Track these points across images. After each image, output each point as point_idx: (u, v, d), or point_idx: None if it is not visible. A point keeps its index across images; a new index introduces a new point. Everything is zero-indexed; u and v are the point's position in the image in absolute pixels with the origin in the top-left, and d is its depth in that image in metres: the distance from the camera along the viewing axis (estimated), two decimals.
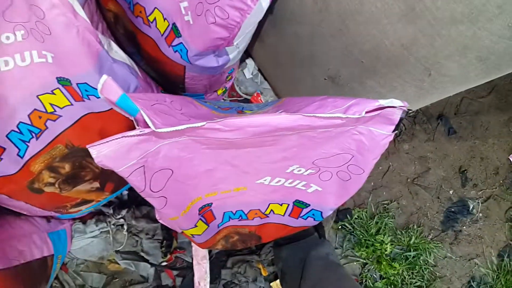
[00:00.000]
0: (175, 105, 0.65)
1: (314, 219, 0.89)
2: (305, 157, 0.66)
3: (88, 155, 0.80)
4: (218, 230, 0.91)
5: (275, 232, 0.97)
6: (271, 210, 0.86)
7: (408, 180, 1.34)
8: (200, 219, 0.81)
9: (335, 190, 0.77)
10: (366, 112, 0.53)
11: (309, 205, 0.83)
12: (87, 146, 0.46)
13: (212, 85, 1.04)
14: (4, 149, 0.66)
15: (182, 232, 0.94)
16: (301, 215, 0.88)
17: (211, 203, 0.79)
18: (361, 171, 0.69)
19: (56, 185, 0.80)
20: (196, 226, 0.81)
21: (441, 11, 0.53)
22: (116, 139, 0.48)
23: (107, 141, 0.48)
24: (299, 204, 0.84)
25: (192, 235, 0.84)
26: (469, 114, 1.38)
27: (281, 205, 0.85)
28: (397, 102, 0.52)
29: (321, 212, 0.86)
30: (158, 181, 0.61)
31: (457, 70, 0.61)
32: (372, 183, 1.31)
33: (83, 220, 1.10)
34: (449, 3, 0.51)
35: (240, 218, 0.88)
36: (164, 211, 0.70)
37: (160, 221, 1.05)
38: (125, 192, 1.13)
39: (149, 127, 0.48)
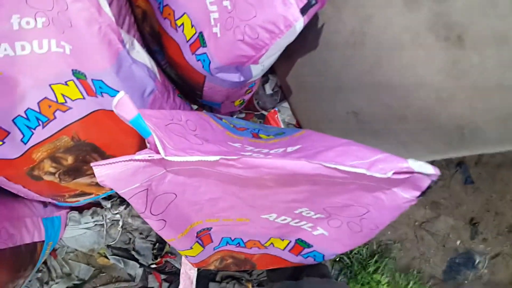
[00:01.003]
0: (190, 125, 0.62)
1: (315, 260, 0.85)
2: (316, 203, 0.63)
3: (93, 150, 0.78)
4: (213, 252, 0.88)
5: (272, 263, 0.93)
6: (271, 243, 0.83)
7: (416, 223, 1.29)
8: (197, 241, 0.78)
9: (342, 238, 0.73)
10: (394, 173, 0.47)
11: (312, 246, 0.80)
12: (91, 165, 0.44)
13: (230, 96, 1.01)
14: (8, 133, 0.64)
15: None
16: (302, 253, 0.84)
17: (211, 228, 0.76)
18: (374, 227, 0.65)
19: (56, 175, 0.78)
20: (191, 248, 0.79)
21: (488, 73, 0.49)
22: (124, 161, 0.46)
23: (113, 162, 0.46)
24: (302, 243, 0.80)
25: (186, 256, 0.82)
26: (491, 166, 1.32)
27: (282, 240, 0.81)
28: (428, 168, 0.46)
29: (323, 255, 0.82)
30: (160, 204, 0.59)
31: (494, 135, 0.57)
32: None
33: (80, 209, 1.08)
34: (499, 68, 0.47)
35: (238, 245, 0.85)
36: (161, 233, 0.67)
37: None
38: None
39: (159, 152, 0.46)
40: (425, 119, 0.63)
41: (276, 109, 1.16)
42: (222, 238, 0.81)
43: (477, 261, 1.30)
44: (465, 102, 0.55)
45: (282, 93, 1.16)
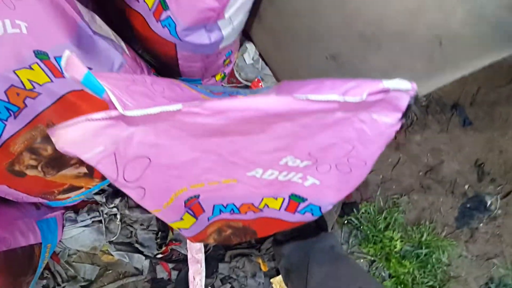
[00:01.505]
0: (157, 87, 0.59)
1: (313, 214, 0.82)
2: (300, 148, 0.60)
3: None
4: (208, 223, 0.86)
5: (271, 226, 0.90)
6: (265, 204, 0.80)
7: (420, 173, 1.26)
8: (187, 211, 0.75)
9: (334, 183, 0.70)
10: (368, 95, 0.45)
11: (306, 199, 0.77)
12: (47, 131, 0.42)
13: (208, 69, 0.98)
14: None
15: None
16: (298, 209, 0.81)
17: (198, 195, 0.73)
18: (362, 163, 0.62)
19: (39, 168, 0.76)
20: (182, 219, 0.76)
21: None
22: (79, 122, 0.43)
23: (68, 125, 0.43)
24: (296, 198, 0.77)
25: (179, 228, 0.79)
26: (486, 105, 1.29)
27: (276, 199, 0.78)
28: (404, 84, 0.44)
29: (320, 207, 0.79)
30: (134, 170, 0.55)
31: (471, 38, 0.54)
32: (381, 176, 1.24)
33: (75, 209, 1.06)
34: None
35: (232, 211, 0.82)
36: (143, 203, 0.64)
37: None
38: None
39: (117, 109, 0.43)
40: (401, 38, 0.60)
41: (259, 77, 1.13)
42: (214, 205, 0.78)
43: (488, 203, 1.26)
44: (435, 8, 0.52)
45: (262, 60, 1.13)
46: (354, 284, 0.77)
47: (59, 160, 0.78)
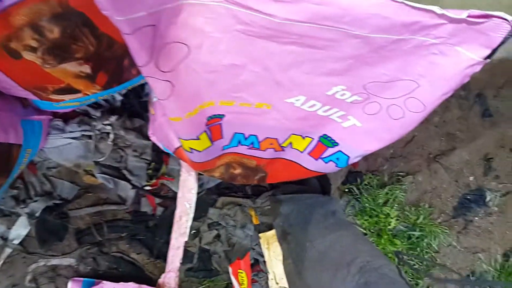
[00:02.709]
0: None
1: (336, 165, 0.75)
2: (358, 77, 0.52)
3: (84, 24, 0.64)
4: (221, 153, 0.77)
5: (285, 172, 0.83)
6: (290, 142, 0.72)
7: (430, 155, 1.22)
8: (205, 131, 0.67)
9: (377, 129, 0.63)
10: (469, 16, 0.41)
11: (338, 144, 0.70)
12: None
13: None
14: None
15: (179, 148, 0.79)
16: (323, 156, 0.74)
17: (223, 115, 0.64)
18: (421, 107, 0.55)
19: (39, 53, 0.65)
20: (198, 138, 0.67)
21: None
22: None
23: None
24: (326, 141, 0.70)
25: (190, 149, 0.70)
26: (509, 100, 1.26)
27: (303, 138, 0.71)
28: (507, 16, 0.41)
29: (348, 158, 0.72)
30: (169, 57, 0.47)
31: None
32: (392, 151, 1.20)
33: (65, 118, 0.94)
34: None
35: (251, 146, 0.74)
36: (167, 103, 0.55)
37: (152, 138, 0.90)
38: (119, 98, 0.97)
39: None
40: None
41: None
42: (234, 134, 0.70)
43: (488, 198, 1.25)
44: None
45: None
46: (361, 257, 0.71)
47: (63, 49, 0.67)
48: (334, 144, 0.70)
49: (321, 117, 0.62)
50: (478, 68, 0.48)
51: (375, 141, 0.66)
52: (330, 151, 0.72)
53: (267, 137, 0.70)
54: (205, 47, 0.48)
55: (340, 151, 0.71)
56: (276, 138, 0.70)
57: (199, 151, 0.71)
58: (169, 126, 0.72)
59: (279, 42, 0.46)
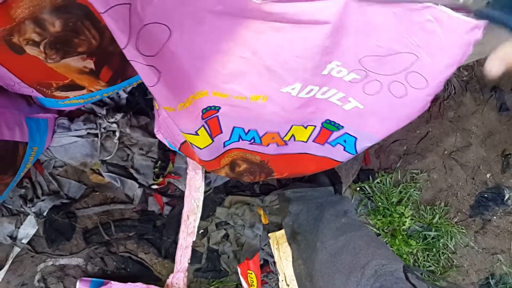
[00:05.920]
0: None
1: (345, 149, 0.71)
2: (352, 50, 0.49)
3: (86, 16, 0.63)
4: (224, 151, 0.75)
5: (292, 165, 0.80)
6: (292, 135, 0.69)
7: (445, 152, 1.18)
8: (203, 125, 0.64)
9: (381, 110, 0.59)
10: None
11: (342, 127, 0.66)
12: None
13: None
14: None
15: (184, 143, 0.77)
16: (329, 140, 0.70)
17: (219, 107, 0.62)
18: (423, 83, 0.51)
19: (41, 48, 0.64)
20: (197, 134, 0.65)
21: None
22: None
23: None
24: (329, 126, 0.67)
25: (193, 145, 0.68)
26: None
27: (305, 127, 0.67)
28: None
29: (356, 139, 0.68)
30: (149, 40, 0.45)
31: None
32: (405, 147, 1.16)
33: (70, 117, 0.94)
34: None
35: (253, 141, 0.71)
36: (156, 91, 0.52)
37: (158, 135, 0.89)
38: (124, 95, 0.96)
39: None
40: None
41: None
42: (234, 128, 0.67)
43: (506, 196, 1.20)
44: None
45: None
46: (375, 259, 0.67)
47: (66, 43, 0.67)
48: (339, 127, 0.66)
49: (321, 101, 0.59)
50: (479, 34, 0.42)
51: (381, 123, 0.62)
52: (336, 134, 0.68)
53: (268, 132, 0.68)
54: (187, 29, 0.45)
55: (346, 133, 0.67)
56: (277, 132, 0.68)
57: (200, 149, 0.69)
58: (168, 128, 0.70)
59: (264, 18, 0.44)
